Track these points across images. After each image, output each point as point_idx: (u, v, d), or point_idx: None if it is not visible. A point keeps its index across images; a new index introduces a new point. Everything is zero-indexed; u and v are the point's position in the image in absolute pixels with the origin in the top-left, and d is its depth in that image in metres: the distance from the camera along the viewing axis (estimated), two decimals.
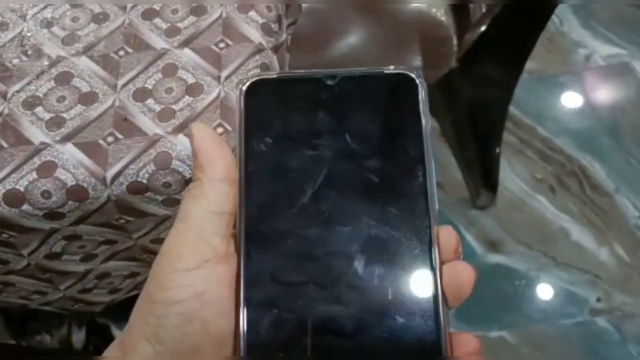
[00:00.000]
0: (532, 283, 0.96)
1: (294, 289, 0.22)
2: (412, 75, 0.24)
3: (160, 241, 0.51)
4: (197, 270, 0.22)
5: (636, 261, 0.97)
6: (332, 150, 0.23)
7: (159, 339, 0.22)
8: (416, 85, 0.24)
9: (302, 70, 0.24)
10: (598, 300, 0.94)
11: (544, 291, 0.96)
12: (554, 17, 1.20)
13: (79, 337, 0.80)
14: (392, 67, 0.24)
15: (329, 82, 0.24)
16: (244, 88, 0.24)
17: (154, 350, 0.22)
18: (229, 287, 0.22)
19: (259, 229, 0.23)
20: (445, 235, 0.23)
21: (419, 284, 0.22)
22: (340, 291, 0.22)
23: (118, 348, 0.23)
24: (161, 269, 0.22)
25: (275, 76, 0.24)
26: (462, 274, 0.22)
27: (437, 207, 0.23)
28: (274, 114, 0.24)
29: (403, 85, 0.24)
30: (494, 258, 0.99)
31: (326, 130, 0.23)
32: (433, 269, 0.22)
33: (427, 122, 0.24)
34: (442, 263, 0.23)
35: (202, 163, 0.23)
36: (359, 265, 0.22)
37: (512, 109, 1.06)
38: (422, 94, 0.24)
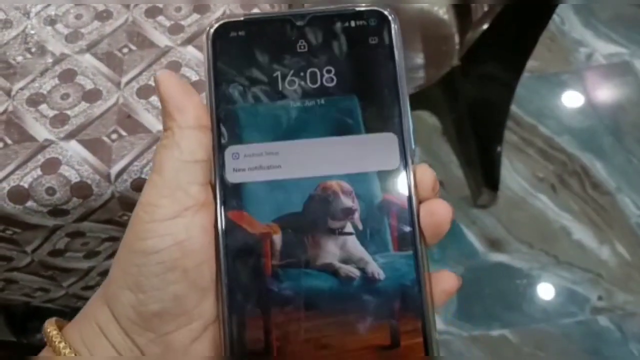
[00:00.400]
0: (534, 282, 0.96)
1: (273, 237, 0.22)
2: (384, 11, 0.23)
3: None
4: (177, 219, 0.21)
5: (637, 260, 0.97)
6: (304, 92, 0.23)
7: (141, 287, 0.22)
8: (388, 21, 0.23)
9: (270, 12, 0.24)
10: (599, 299, 0.94)
11: (545, 290, 0.96)
12: (555, 17, 1.20)
13: None
14: (363, 5, 0.23)
15: (299, 23, 0.23)
16: (211, 31, 0.23)
17: (136, 298, 0.22)
18: (209, 234, 0.22)
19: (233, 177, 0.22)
20: (422, 174, 0.23)
21: (397, 223, 0.22)
22: (318, 232, 0.22)
23: (100, 300, 0.23)
24: (139, 220, 0.22)
25: (242, 18, 0.23)
26: (439, 212, 0.22)
27: (413, 146, 0.23)
28: (243, 56, 0.23)
29: (374, 22, 0.23)
30: (495, 257, 0.99)
31: (298, 71, 0.23)
32: (411, 207, 0.22)
33: (401, 57, 0.23)
34: (419, 202, 0.22)
35: (171, 111, 0.22)
36: (336, 204, 0.22)
37: (513, 108, 1.06)
38: (395, 29, 0.23)
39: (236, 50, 0.23)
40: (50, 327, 0.23)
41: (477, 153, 0.97)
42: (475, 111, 0.87)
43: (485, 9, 0.69)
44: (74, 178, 0.43)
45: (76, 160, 0.43)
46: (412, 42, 0.73)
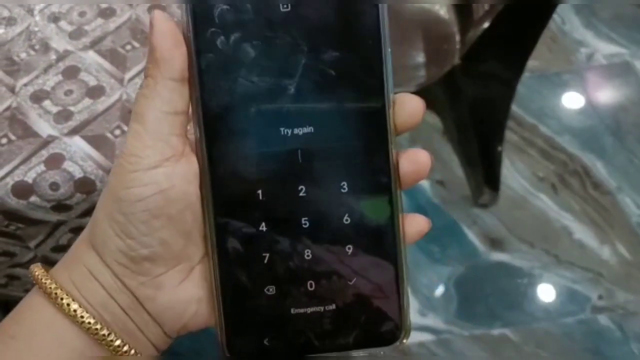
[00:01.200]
0: (534, 281, 0.96)
1: (257, 183, 0.23)
2: None
3: None
4: (159, 168, 0.22)
5: (638, 259, 0.98)
6: (286, 42, 0.22)
7: (129, 234, 0.22)
8: None
9: None
10: (600, 298, 0.94)
11: (546, 289, 0.96)
12: (556, 17, 1.21)
13: None
14: None
15: None
16: None
17: (125, 244, 0.23)
18: (190, 183, 0.23)
19: (217, 127, 0.22)
20: (405, 102, 0.23)
21: (375, 168, 0.23)
22: (301, 183, 0.23)
23: (86, 245, 0.24)
24: (123, 169, 0.22)
25: None
26: (420, 161, 0.24)
27: (391, 96, 0.23)
28: (222, 4, 0.22)
29: None
30: (496, 256, 0.99)
31: (279, 21, 0.22)
32: (388, 153, 0.23)
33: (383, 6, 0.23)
34: (407, 131, 0.23)
35: (157, 59, 0.22)
36: (317, 158, 0.23)
37: (514, 108, 1.06)
38: None
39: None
40: (37, 270, 0.24)
41: (478, 152, 0.97)
42: (476, 110, 0.88)
43: (486, 8, 0.70)
44: (78, 173, 0.43)
45: (80, 155, 0.43)
46: (413, 40, 0.74)
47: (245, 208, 0.23)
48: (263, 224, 0.23)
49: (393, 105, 0.23)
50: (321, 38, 0.22)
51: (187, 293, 0.24)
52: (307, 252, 0.23)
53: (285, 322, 0.23)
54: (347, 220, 0.23)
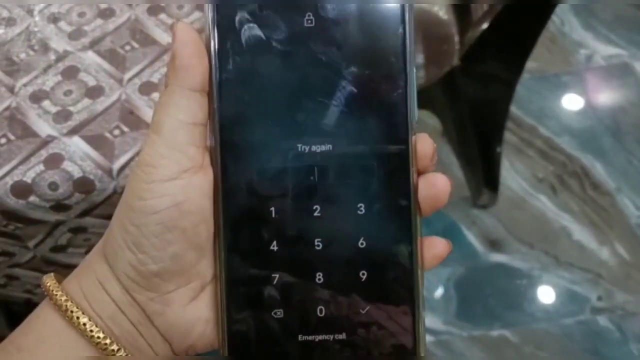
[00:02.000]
0: (534, 282, 0.96)
1: (271, 200, 0.22)
2: None
3: None
4: (175, 180, 0.21)
5: (637, 260, 0.98)
6: (308, 58, 0.22)
7: (140, 247, 0.22)
8: None
9: None
10: (599, 299, 0.94)
11: (546, 290, 0.96)
12: (555, 18, 1.21)
13: None
14: None
15: None
16: None
17: (136, 258, 0.22)
18: (206, 196, 0.22)
19: (233, 140, 0.22)
20: (422, 144, 0.23)
21: (395, 193, 0.22)
22: (316, 203, 0.22)
23: (100, 256, 0.23)
24: (139, 180, 0.22)
25: None
26: (438, 185, 0.23)
27: (416, 118, 0.22)
28: (248, 14, 0.22)
29: None
30: (496, 257, 0.99)
31: (302, 36, 0.22)
32: (409, 178, 0.22)
33: (411, 28, 0.22)
34: (418, 173, 0.23)
35: (177, 67, 0.21)
36: (334, 176, 0.22)
37: (513, 109, 1.06)
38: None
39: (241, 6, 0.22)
40: (49, 281, 0.23)
41: (477, 153, 0.97)
42: (476, 111, 0.88)
43: (485, 8, 0.70)
44: (77, 173, 0.43)
45: (79, 155, 0.43)
46: None
47: (257, 225, 0.22)
48: (274, 242, 0.22)
49: (415, 146, 0.22)
50: (344, 55, 0.22)
51: (195, 313, 0.23)
52: (319, 275, 0.22)
53: (292, 348, 0.22)
54: (362, 244, 0.22)
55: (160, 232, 0.22)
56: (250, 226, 0.22)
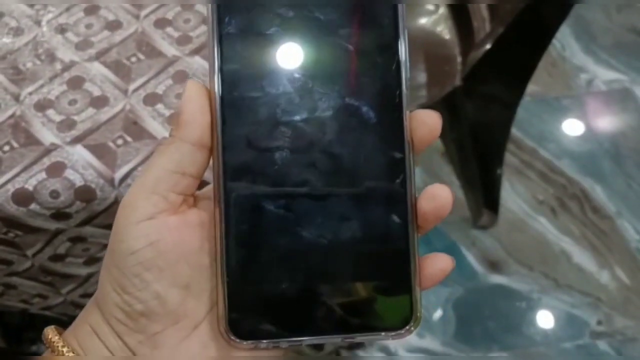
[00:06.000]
0: (533, 304, 0.96)
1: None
2: None
3: None
4: (150, 221, 0.22)
5: (637, 285, 0.97)
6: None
7: (124, 288, 0.22)
8: None
9: None
10: (599, 323, 0.94)
11: (545, 313, 0.95)
12: (556, 43, 1.22)
13: None
14: None
15: None
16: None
17: (121, 299, 0.22)
18: (182, 233, 0.23)
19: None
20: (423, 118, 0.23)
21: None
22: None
23: (92, 304, 0.24)
24: (118, 222, 0.22)
25: None
26: (437, 194, 0.23)
27: (407, 113, 0.23)
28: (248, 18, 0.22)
29: None
30: (495, 279, 0.98)
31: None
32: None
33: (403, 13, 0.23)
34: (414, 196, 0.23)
35: (180, 121, 0.22)
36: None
37: (514, 131, 1.06)
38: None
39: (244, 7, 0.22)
40: (50, 333, 0.24)
41: (477, 174, 0.97)
42: (477, 131, 0.88)
43: (487, 30, 0.71)
44: (79, 182, 0.43)
45: (81, 164, 0.44)
46: (415, 61, 0.74)
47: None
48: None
49: (412, 151, 0.23)
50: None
51: (187, 353, 0.23)
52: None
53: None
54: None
55: (139, 272, 0.22)
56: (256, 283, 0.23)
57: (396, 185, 0.23)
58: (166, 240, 0.22)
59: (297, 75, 0.22)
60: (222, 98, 0.22)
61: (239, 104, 0.22)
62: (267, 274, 0.22)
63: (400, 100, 0.23)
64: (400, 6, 0.23)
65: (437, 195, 0.23)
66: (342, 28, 0.22)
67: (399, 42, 0.23)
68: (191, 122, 0.22)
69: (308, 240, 0.22)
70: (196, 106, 0.22)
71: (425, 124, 0.23)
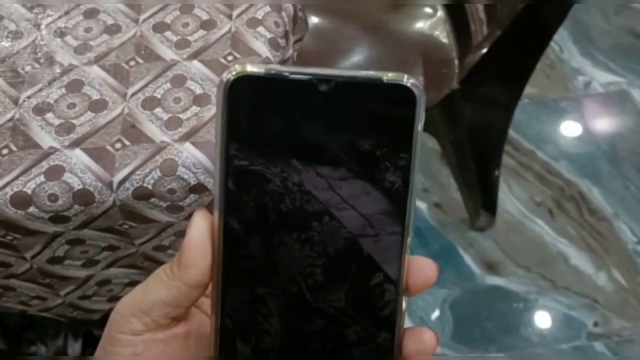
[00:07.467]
0: (531, 306, 0.96)
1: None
2: (410, 86, 0.22)
3: (162, 249, 0.51)
4: (139, 336, 0.24)
5: (634, 286, 0.97)
6: (316, 174, 0.23)
7: None
8: (414, 100, 0.22)
9: (292, 68, 0.22)
10: (595, 324, 0.94)
11: (542, 314, 0.96)
12: (554, 45, 1.23)
13: (74, 349, 0.79)
14: (390, 74, 0.22)
15: (323, 88, 0.22)
16: (228, 83, 0.22)
17: None
18: (166, 346, 0.25)
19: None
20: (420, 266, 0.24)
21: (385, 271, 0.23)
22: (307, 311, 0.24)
23: None
24: (112, 326, 0.25)
25: (263, 73, 0.22)
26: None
27: (412, 233, 0.23)
28: (258, 119, 0.22)
29: (400, 98, 0.22)
30: (493, 280, 0.99)
31: (314, 145, 0.22)
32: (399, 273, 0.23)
33: (418, 143, 0.22)
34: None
35: (181, 263, 0.24)
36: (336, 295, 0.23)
37: (512, 133, 1.07)
38: (419, 111, 0.22)
39: (251, 109, 0.22)
40: None
41: (475, 176, 0.97)
42: (474, 134, 0.88)
43: (485, 33, 0.71)
44: (77, 185, 0.43)
45: (80, 167, 0.44)
46: (413, 64, 0.75)
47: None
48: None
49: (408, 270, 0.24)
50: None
51: None
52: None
53: None
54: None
55: None
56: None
57: (384, 328, 0.23)
58: (151, 351, 0.24)
59: (301, 222, 0.23)
60: (224, 238, 0.23)
61: (243, 244, 0.23)
62: None
63: (403, 248, 0.23)
64: (411, 175, 0.23)
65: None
66: (352, 172, 0.23)
67: (409, 201, 0.23)
68: (193, 267, 0.23)
69: None
70: (199, 246, 0.23)
71: (422, 272, 0.24)
